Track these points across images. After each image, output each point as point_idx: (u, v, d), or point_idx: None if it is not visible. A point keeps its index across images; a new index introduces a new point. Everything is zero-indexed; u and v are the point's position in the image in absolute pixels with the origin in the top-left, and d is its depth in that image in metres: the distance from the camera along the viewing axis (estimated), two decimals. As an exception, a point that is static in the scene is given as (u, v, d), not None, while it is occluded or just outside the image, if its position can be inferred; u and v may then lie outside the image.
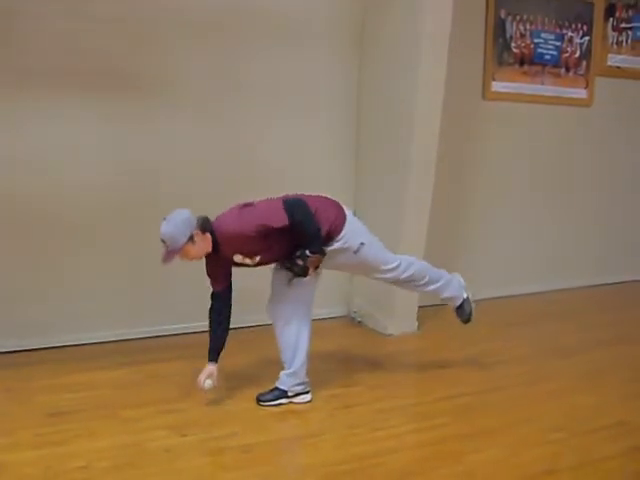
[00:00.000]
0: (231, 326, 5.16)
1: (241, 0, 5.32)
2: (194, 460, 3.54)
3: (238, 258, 3.95)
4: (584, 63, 7.02)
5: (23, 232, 4.96)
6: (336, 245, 4.01)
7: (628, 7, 7.25)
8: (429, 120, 5.34)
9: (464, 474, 3.43)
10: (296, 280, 4.06)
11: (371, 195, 5.82)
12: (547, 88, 6.81)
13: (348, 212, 4.14)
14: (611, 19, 7.18)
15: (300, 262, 3.89)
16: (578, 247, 7.23)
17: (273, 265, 4.20)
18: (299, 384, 4.22)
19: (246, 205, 3.94)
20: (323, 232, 3.90)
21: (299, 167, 5.61)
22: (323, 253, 3.92)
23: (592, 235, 7.32)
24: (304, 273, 3.94)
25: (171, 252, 3.82)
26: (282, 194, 4.00)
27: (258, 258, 3.97)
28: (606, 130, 7.19)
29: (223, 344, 4.15)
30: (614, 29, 7.22)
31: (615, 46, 7.25)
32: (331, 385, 4.48)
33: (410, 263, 4.31)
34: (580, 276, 7.27)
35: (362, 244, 4.07)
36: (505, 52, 6.56)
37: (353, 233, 4.07)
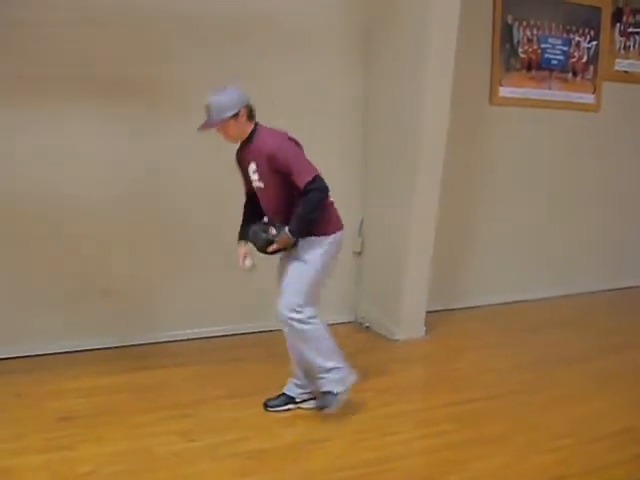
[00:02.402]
0: (241, 331, 5.21)
1: (250, 10, 5.33)
2: (202, 465, 3.55)
3: (252, 167, 3.93)
4: (591, 68, 7.01)
5: (26, 236, 4.98)
6: (309, 242, 3.91)
7: (635, 12, 7.23)
8: (436, 125, 5.34)
9: (471, 480, 3.44)
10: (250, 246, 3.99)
11: (379, 200, 5.83)
12: (554, 93, 6.80)
13: (341, 236, 4.06)
14: (618, 24, 7.16)
15: (272, 232, 3.83)
16: (584, 253, 7.21)
17: (277, 265, 4.18)
18: (307, 392, 4.23)
19: (294, 140, 3.93)
20: (317, 215, 3.85)
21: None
22: (296, 242, 3.85)
23: (598, 241, 7.31)
24: (266, 246, 3.86)
25: (213, 123, 3.82)
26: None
27: (261, 185, 3.93)
28: (613, 135, 7.18)
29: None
30: (621, 34, 7.21)
31: (622, 51, 7.24)
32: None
33: (310, 322, 3.93)
34: (585, 282, 7.25)
35: (307, 262, 3.92)
36: (512, 57, 6.55)
37: (317, 250, 3.94)
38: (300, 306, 3.89)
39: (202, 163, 5.24)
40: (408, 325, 5.70)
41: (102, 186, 5.11)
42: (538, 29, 6.67)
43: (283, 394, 4.23)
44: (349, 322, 6.09)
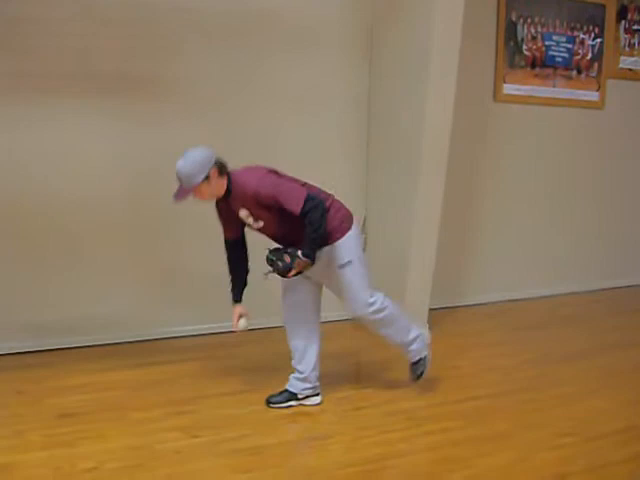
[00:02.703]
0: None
1: (253, 7, 5.33)
2: (205, 462, 3.54)
3: (243, 213, 3.91)
4: (596, 65, 7.00)
5: (27, 233, 4.99)
6: (327, 251, 3.94)
7: (640, 9, 7.24)
8: (440, 122, 5.32)
9: (474, 478, 3.42)
10: (271, 275, 3.97)
11: (383, 197, 5.82)
12: (558, 90, 6.80)
13: (355, 228, 4.08)
14: (623, 21, 7.15)
15: (288, 259, 3.80)
16: (587, 251, 7.21)
17: None
18: (309, 388, 4.22)
19: (274, 172, 3.90)
20: (326, 229, 3.84)
21: (311, 170, 5.58)
22: (312, 261, 3.81)
23: (601, 239, 7.30)
24: (285, 272, 3.83)
25: (186, 190, 3.80)
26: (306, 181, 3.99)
27: (261, 224, 3.93)
28: (618, 133, 7.17)
29: (245, 282, 4.13)
30: (626, 31, 7.19)
31: (627, 48, 7.22)
32: (341, 387, 4.48)
33: (385, 306, 4.12)
34: (589, 280, 7.26)
35: (350, 261, 3.98)
36: (516, 55, 6.54)
37: (348, 247, 3.99)
38: (371, 297, 4.06)
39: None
40: (411, 322, 5.67)
41: (104, 182, 5.12)
42: (542, 26, 6.66)
43: (285, 390, 4.22)
44: (352, 319, 6.06)
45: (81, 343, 5.15)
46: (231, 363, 4.82)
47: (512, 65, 6.54)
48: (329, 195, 4.03)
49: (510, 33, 6.50)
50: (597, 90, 7.03)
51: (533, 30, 6.61)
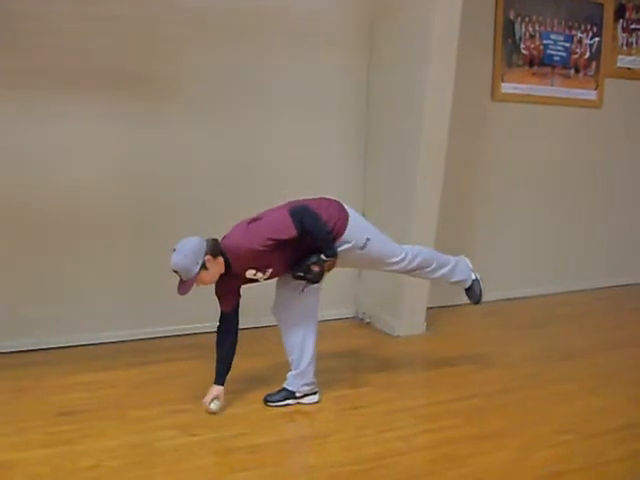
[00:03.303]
0: (241, 326, 5.18)
1: (252, 3, 5.33)
2: (203, 460, 3.56)
3: (250, 273, 3.94)
4: (594, 64, 7.00)
5: (27, 231, 4.99)
6: (343, 245, 4.00)
7: (638, 8, 7.22)
8: (438, 121, 5.34)
9: (472, 476, 3.43)
10: (308, 288, 4.06)
11: (381, 195, 5.83)
12: (556, 89, 6.80)
13: (349, 209, 4.12)
14: (621, 20, 7.15)
15: (316, 268, 3.88)
16: (586, 249, 7.22)
17: None
18: (307, 385, 4.23)
19: (253, 220, 3.92)
20: (327, 224, 3.90)
21: (309, 168, 5.63)
22: (336, 255, 3.92)
23: (600, 237, 7.31)
24: (319, 278, 3.94)
25: (186, 282, 3.81)
26: (287, 200, 4.02)
27: (270, 271, 3.97)
28: (616, 131, 7.17)
29: (230, 366, 4.13)
30: (624, 30, 7.20)
31: (625, 47, 7.23)
32: (339, 386, 4.49)
33: (416, 252, 4.30)
34: (588, 278, 7.26)
35: (368, 239, 4.07)
36: (514, 53, 6.55)
37: (357, 229, 4.07)
38: (402, 253, 4.24)
39: (204, 156, 5.24)
40: (409, 321, 5.70)
41: (104, 180, 5.13)
42: (540, 25, 6.66)
43: (283, 389, 4.23)
44: (350, 318, 6.09)
45: (81, 341, 5.16)
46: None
47: (510, 64, 6.54)
48: (317, 201, 4.04)
49: (508, 32, 6.50)
50: (595, 89, 7.03)
51: (531, 29, 6.62)
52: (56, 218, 5.00)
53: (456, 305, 6.43)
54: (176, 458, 3.55)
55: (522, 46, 6.59)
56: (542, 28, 6.68)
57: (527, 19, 6.58)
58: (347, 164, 5.91)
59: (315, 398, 4.27)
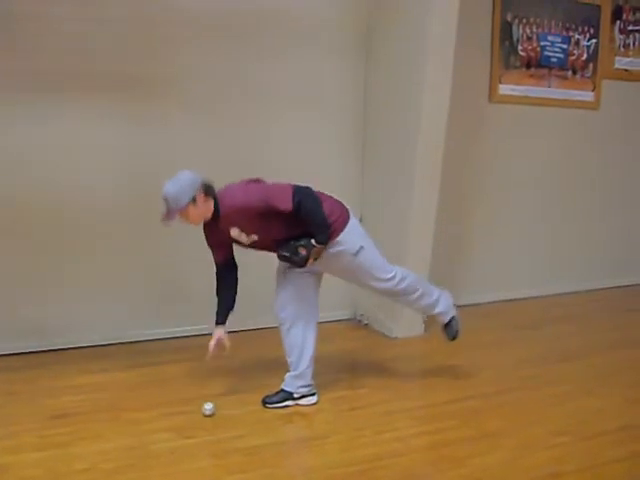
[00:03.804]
0: (237, 329, 5.18)
1: (251, 4, 5.33)
2: (199, 462, 3.54)
3: (235, 232, 3.92)
4: (591, 66, 7.00)
5: (24, 234, 4.98)
6: (337, 246, 3.98)
7: (635, 9, 7.22)
8: (435, 122, 5.33)
9: (469, 477, 3.42)
10: (290, 270, 4.06)
11: (379, 196, 5.82)
12: (554, 91, 6.79)
13: (352, 214, 4.11)
14: (618, 22, 7.15)
15: (303, 252, 3.85)
16: (584, 250, 7.21)
17: (276, 267, 4.19)
18: (305, 386, 4.22)
19: (255, 180, 3.95)
20: (324, 212, 3.89)
21: (308, 168, 5.59)
22: (326, 243, 3.90)
23: (598, 238, 7.29)
24: (304, 263, 3.90)
25: (172, 212, 3.82)
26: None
27: (255, 237, 3.94)
28: (613, 133, 7.17)
29: (232, 306, 4.14)
30: (621, 32, 7.19)
31: (622, 49, 7.22)
32: (337, 387, 4.48)
33: (405, 275, 4.24)
34: (586, 279, 7.25)
35: (362, 247, 4.04)
36: (512, 55, 6.54)
37: (354, 235, 4.05)
38: (391, 272, 4.18)
39: (204, 157, 5.22)
40: (407, 323, 5.68)
41: (103, 181, 5.12)
42: (538, 27, 6.66)
43: (281, 390, 4.21)
44: (348, 319, 6.08)
45: (74, 344, 5.14)
46: (226, 363, 4.81)
47: (507, 65, 6.54)
48: (323, 194, 4.02)
49: (505, 33, 6.50)
50: (592, 90, 7.03)
51: (528, 30, 6.61)
52: (53, 219, 4.99)
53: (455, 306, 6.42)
54: (171, 460, 3.53)
55: (519, 48, 6.58)
56: (539, 30, 6.67)
57: (524, 21, 6.58)
58: (345, 164, 5.90)
59: (313, 399, 4.26)
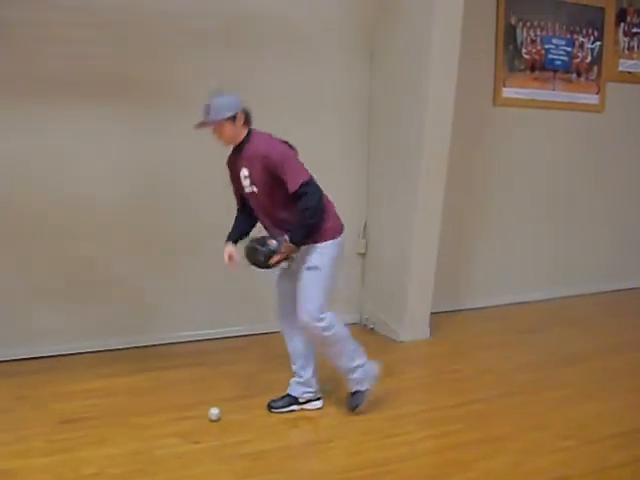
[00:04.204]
0: (244, 333, 5.21)
1: (256, 9, 5.34)
2: (206, 467, 3.55)
3: (244, 172, 3.94)
4: (595, 68, 7.01)
5: (28, 236, 5.00)
6: (313, 248, 3.94)
7: (639, 12, 7.23)
8: (440, 126, 5.34)
9: (476, 481, 3.44)
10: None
11: (383, 201, 5.84)
12: (558, 94, 6.80)
13: (341, 240, 4.04)
14: (622, 24, 7.16)
15: (273, 243, 3.82)
16: (587, 254, 7.21)
17: (276, 276, 4.20)
18: (310, 392, 4.23)
19: (288, 144, 3.99)
20: (318, 220, 3.88)
21: (311, 172, 5.62)
22: (298, 248, 3.88)
23: (601, 242, 7.30)
24: (268, 258, 3.84)
25: (210, 121, 3.86)
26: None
27: (254, 189, 3.93)
28: (617, 136, 7.17)
29: (245, 232, 4.13)
30: (625, 34, 7.20)
31: (627, 51, 7.23)
32: (342, 391, 4.45)
33: (333, 325, 3.96)
34: (589, 283, 7.25)
35: (317, 267, 3.93)
36: (516, 58, 6.55)
37: (324, 254, 3.95)
38: (322, 313, 3.92)
39: (203, 162, 5.22)
40: (412, 326, 5.69)
41: (103, 186, 5.14)
42: (542, 30, 6.67)
43: (287, 395, 4.23)
44: (354, 323, 6.06)
45: (82, 349, 5.16)
46: (232, 369, 4.83)
47: (512, 69, 6.55)
48: (328, 200, 4.02)
49: (509, 37, 6.51)
50: (597, 93, 7.03)
51: (532, 33, 6.62)
52: (56, 223, 5.01)
53: (459, 310, 6.44)
54: (178, 465, 3.54)
55: (524, 51, 6.59)
56: (543, 33, 6.68)
57: (528, 24, 6.59)
58: (349, 170, 5.91)
59: (319, 404, 4.27)
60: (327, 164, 5.76)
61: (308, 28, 5.57)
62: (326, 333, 3.96)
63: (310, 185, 3.81)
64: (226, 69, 5.28)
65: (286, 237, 3.82)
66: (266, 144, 3.88)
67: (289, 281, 4.09)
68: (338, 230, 4.02)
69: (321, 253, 3.94)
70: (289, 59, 5.52)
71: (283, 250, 3.83)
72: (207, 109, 3.85)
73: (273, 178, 3.82)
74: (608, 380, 4.85)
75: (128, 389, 4.55)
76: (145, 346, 5.30)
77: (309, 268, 3.94)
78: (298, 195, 3.78)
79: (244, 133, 3.93)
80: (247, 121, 3.94)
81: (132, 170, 5.20)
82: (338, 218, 4.06)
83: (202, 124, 3.87)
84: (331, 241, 3.97)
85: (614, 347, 5.59)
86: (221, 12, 5.27)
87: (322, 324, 3.92)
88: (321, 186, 3.90)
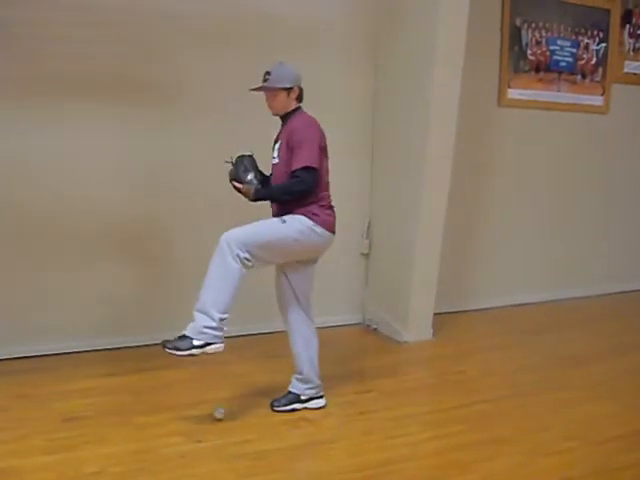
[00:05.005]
0: (244, 333, 5.20)
1: (260, 11, 5.34)
2: (208, 466, 3.54)
3: (277, 145, 4.12)
4: (600, 70, 7.00)
5: (28, 237, 4.98)
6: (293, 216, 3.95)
7: (645, 14, 7.23)
8: (445, 126, 5.34)
9: (478, 482, 3.42)
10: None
11: (387, 201, 5.84)
12: (563, 95, 6.79)
13: (328, 239, 4.06)
14: (627, 25, 7.15)
15: (248, 177, 4.00)
16: (591, 256, 7.20)
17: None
18: (311, 388, 4.22)
19: (321, 132, 4.08)
20: (283, 202, 3.96)
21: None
22: (253, 199, 3.97)
23: (605, 244, 7.29)
24: (231, 178, 4.02)
25: (268, 87, 4.03)
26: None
27: (277, 161, 4.08)
28: (622, 137, 7.16)
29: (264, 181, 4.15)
30: (631, 36, 7.19)
31: (632, 53, 7.22)
32: (346, 391, 4.47)
33: (240, 269, 3.87)
34: (593, 285, 7.23)
35: (284, 221, 3.92)
36: (521, 59, 6.54)
37: (304, 234, 3.93)
38: (238, 247, 3.83)
39: (203, 162, 5.23)
40: (416, 327, 5.68)
41: (103, 186, 5.12)
42: (547, 31, 6.66)
43: (289, 393, 4.22)
44: (357, 324, 6.07)
45: (83, 348, 5.15)
46: (234, 367, 4.82)
47: (516, 70, 6.54)
48: (327, 200, 4.08)
49: (514, 38, 6.50)
50: (602, 95, 7.02)
51: (537, 35, 6.61)
52: (56, 223, 5.00)
53: (462, 311, 6.43)
54: (181, 464, 3.53)
55: (529, 52, 6.59)
56: (548, 34, 6.68)
57: (533, 25, 6.58)
58: (353, 169, 5.89)
59: (321, 402, 4.26)
60: (331, 165, 5.76)
61: (312, 28, 5.56)
62: (218, 259, 3.89)
63: (308, 173, 3.89)
64: (230, 69, 5.28)
65: (255, 182, 3.98)
66: (302, 122, 4.03)
67: (283, 280, 4.14)
68: (327, 227, 4.02)
69: (300, 223, 3.93)
70: (292, 60, 5.48)
71: (245, 188, 3.97)
72: (267, 74, 4.02)
73: (291, 153, 3.94)
74: (611, 382, 4.84)
75: (129, 388, 4.54)
76: (146, 345, 5.27)
77: (281, 220, 3.96)
78: (294, 175, 3.89)
79: (293, 107, 4.08)
80: (299, 98, 4.11)
81: (132, 170, 5.19)
82: (330, 216, 4.07)
83: (260, 88, 4.04)
84: (315, 225, 3.96)
85: (617, 349, 5.58)
86: (227, 15, 5.27)
87: (226, 249, 3.84)
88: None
